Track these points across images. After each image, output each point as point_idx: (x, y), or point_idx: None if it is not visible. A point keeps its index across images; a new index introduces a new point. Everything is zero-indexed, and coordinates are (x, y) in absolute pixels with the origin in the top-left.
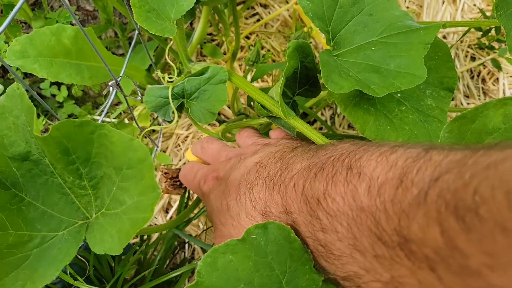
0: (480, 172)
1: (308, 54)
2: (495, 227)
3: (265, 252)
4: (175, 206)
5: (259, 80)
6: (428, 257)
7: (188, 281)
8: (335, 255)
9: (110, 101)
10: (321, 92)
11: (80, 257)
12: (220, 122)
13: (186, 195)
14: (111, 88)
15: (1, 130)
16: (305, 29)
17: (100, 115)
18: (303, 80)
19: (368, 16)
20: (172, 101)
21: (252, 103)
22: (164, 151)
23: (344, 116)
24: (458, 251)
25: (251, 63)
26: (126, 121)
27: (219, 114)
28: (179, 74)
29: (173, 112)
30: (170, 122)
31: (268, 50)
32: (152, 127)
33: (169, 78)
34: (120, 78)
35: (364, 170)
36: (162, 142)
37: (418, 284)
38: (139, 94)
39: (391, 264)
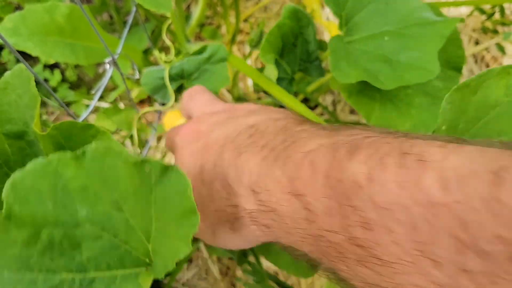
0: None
1: (306, 25)
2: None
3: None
4: None
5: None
6: None
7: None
8: (383, 260)
9: (107, 80)
10: (323, 77)
11: None
12: None
13: None
14: (107, 65)
15: (1, 105)
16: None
17: (93, 98)
18: (303, 56)
19: (384, 4)
20: (171, 83)
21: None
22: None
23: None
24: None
25: (254, 44)
26: (123, 106)
27: None
28: (177, 55)
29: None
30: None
31: None
32: (151, 109)
33: (167, 58)
34: (117, 55)
35: (430, 157)
36: None
37: None
38: (137, 73)
39: (493, 283)
